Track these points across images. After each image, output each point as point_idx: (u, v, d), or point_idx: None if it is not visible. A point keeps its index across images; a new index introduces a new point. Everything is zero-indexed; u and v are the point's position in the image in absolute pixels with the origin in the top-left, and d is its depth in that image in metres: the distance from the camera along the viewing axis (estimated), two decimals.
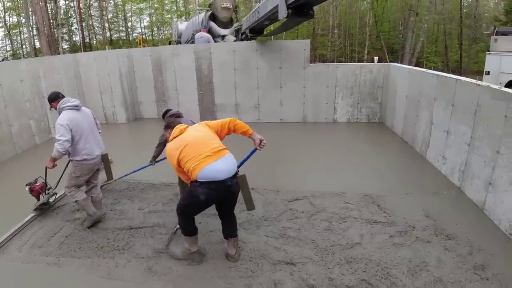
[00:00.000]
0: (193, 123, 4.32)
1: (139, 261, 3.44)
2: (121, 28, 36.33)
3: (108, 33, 34.70)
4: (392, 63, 8.44)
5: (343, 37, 28.80)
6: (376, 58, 9.78)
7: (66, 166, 4.12)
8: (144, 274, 3.27)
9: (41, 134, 7.68)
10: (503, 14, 22.05)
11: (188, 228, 3.27)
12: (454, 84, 4.98)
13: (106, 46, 28.61)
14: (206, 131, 3.14)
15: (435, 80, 5.61)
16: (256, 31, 9.41)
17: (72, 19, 33.09)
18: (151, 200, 4.73)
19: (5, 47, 32.12)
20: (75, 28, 33.08)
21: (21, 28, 31.52)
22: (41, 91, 7.67)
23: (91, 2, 32.42)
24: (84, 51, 23.57)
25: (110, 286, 3.14)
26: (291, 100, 8.87)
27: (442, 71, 6.77)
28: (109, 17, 34.81)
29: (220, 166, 2.92)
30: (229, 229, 3.38)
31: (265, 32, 10.33)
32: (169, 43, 16.69)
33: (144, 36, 34.22)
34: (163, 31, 36.29)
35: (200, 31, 10.09)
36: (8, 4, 30.46)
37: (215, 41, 10.00)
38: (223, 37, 10.75)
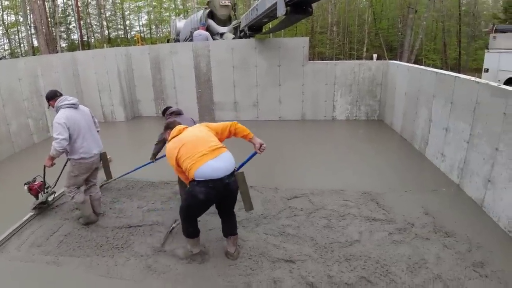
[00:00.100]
0: (193, 120, 4.33)
1: (138, 260, 3.44)
2: (119, 26, 36.19)
3: (106, 31, 34.58)
4: (391, 61, 8.43)
5: (342, 34, 28.75)
6: (375, 55, 9.78)
7: (65, 165, 4.11)
8: (143, 272, 3.27)
9: (39, 133, 7.66)
10: (501, 12, 22.06)
11: (191, 230, 3.27)
12: (453, 82, 4.97)
13: (105, 45, 28.54)
14: (205, 131, 3.15)
15: (434, 77, 5.60)
16: (254, 29, 9.39)
17: (70, 17, 32.93)
18: (150, 199, 4.72)
19: (3, 46, 31.97)
20: (73, 27, 32.91)
21: (19, 27, 31.35)
22: (39, 90, 7.65)
23: (89, 0, 32.32)
24: (82, 50, 23.49)
25: (109, 284, 3.13)
26: (290, 98, 8.86)
27: (441, 68, 6.78)
28: (107, 15, 34.66)
29: (217, 164, 2.91)
30: (229, 227, 3.38)
31: (263, 30, 10.31)
32: (168, 41, 16.64)
33: (142, 34, 34.11)
34: (162, 29, 36.20)
35: (198, 29, 10.07)
36: (6, 2, 30.29)
37: (213, 39, 9.98)
38: (221, 35, 10.73)
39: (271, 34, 12.68)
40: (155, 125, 9.00)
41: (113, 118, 9.54)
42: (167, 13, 34.18)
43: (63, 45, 31.25)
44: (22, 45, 32.20)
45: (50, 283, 3.18)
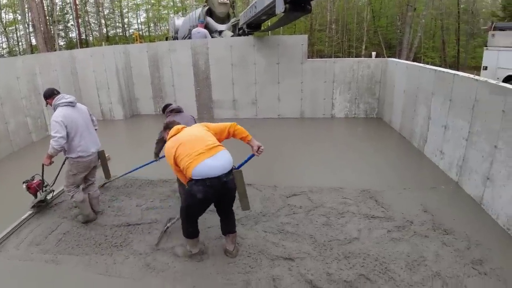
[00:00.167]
0: (194, 118, 4.33)
1: (137, 258, 3.44)
2: (117, 24, 36.08)
3: (105, 29, 34.49)
4: (390, 59, 8.42)
5: (340, 32, 28.72)
6: (373, 53, 9.76)
7: (63, 164, 4.10)
8: (142, 270, 3.27)
9: (37, 131, 7.63)
10: (500, 10, 22.05)
11: (191, 230, 3.28)
12: (452, 79, 4.97)
13: (103, 43, 28.40)
14: (203, 131, 3.15)
15: (433, 75, 5.60)
16: (253, 26, 9.37)
17: (68, 15, 32.84)
18: (148, 197, 4.71)
19: (1, 45, 31.87)
20: (71, 25, 32.85)
21: (17, 25, 31.25)
22: (37, 88, 7.62)
23: None
24: (80, 48, 23.42)
25: (108, 283, 3.13)
26: (289, 95, 8.85)
27: (439, 66, 6.78)
28: (105, 13, 34.56)
29: (214, 162, 2.91)
30: (228, 226, 3.38)
31: (262, 27, 10.28)
32: (166, 39, 16.58)
33: (140, 32, 34.04)
34: (160, 27, 36.09)
35: (197, 26, 10.03)
36: (4, 1, 30.16)
37: (212, 37, 9.95)
38: (220, 32, 10.69)
39: (269, 31, 12.64)
40: (153, 123, 8.98)
41: (111, 116, 9.51)
42: (166, 11, 34.07)
43: (61, 43, 31.16)
44: (20, 44, 32.11)
45: (49, 282, 3.17)
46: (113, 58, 9.05)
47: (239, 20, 10.46)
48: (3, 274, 3.28)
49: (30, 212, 4.26)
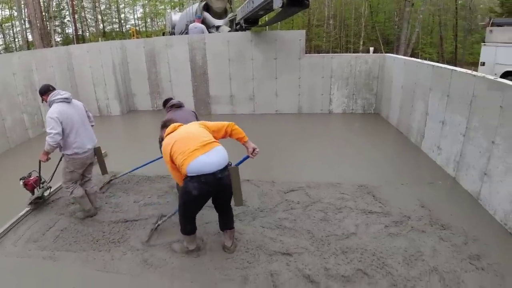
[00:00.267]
0: (194, 113, 4.31)
1: (134, 254, 3.44)
2: (114, 20, 35.86)
3: (101, 25, 34.26)
4: (388, 54, 8.41)
5: (338, 28, 28.66)
6: (371, 48, 9.76)
7: (60, 160, 4.08)
8: (139, 266, 3.27)
9: (34, 128, 7.59)
10: (498, 6, 22.01)
11: (189, 228, 3.29)
12: (450, 75, 4.97)
13: (99, 38, 28.25)
14: (199, 128, 3.16)
15: (431, 70, 5.60)
16: (250, 22, 9.32)
17: (64, 11, 32.56)
18: (146, 193, 4.70)
19: None
20: (68, 21, 32.57)
21: (13, 21, 31.02)
22: (33, 84, 7.56)
23: None
24: (77, 44, 23.26)
25: (106, 279, 3.13)
26: (287, 91, 8.83)
27: (437, 62, 6.77)
28: (102, 8, 34.30)
29: (209, 158, 2.91)
30: (225, 221, 3.38)
31: (260, 23, 10.24)
32: (163, 34, 16.49)
33: (137, 28, 33.85)
34: (157, 23, 35.93)
35: (194, 21, 9.97)
36: None
37: (209, 32, 9.90)
38: (217, 27, 10.64)
39: (267, 27, 12.60)
40: (151, 119, 8.97)
41: (108, 112, 9.47)
42: (163, 6, 33.89)
43: (58, 39, 30.94)
44: (16, 40, 31.89)
45: (46, 278, 3.17)
46: (110, 54, 9.00)
47: (236, 15, 10.41)
48: (1, 271, 3.27)
49: (27, 208, 4.24)
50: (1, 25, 30.91)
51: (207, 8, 10.77)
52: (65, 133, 3.67)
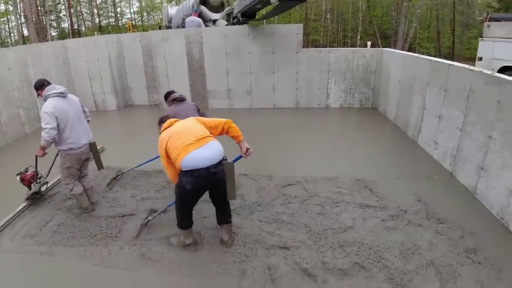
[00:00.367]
0: (196, 107, 4.29)
1: (132, 248, 3.44)
2: (110, 14, 35.60)
3: (97, 19, 34.01)
4: (385, 48, 8.40)
5: (335, 22, 28.57)
6: (369, 43, 9.71)
7: (56, 155, 4.05)
8: (137, 261, 3.27)
9: (30, 123, 7.53)
10: (495, 1, 21.97)
11: (185, 222, 3.30)
12: (447, 69, 4.97)
13: (95, 32, 28.07)
14: (195, 123, 3.17)
15: (428, 65, 5.59)
16: (248, 15, 9.27)
17: (60, 5, 32.32)
18: (143, 187, 4.70)
19: None
20: (64, 15, 32.34)
21: (8, 16, 30.74)
22: (29, 79, 7.49)
23: None
24: (72, 38, 23.07)
25: (104, 274, 3.13)
26: (284, 85, 8.81)
27: (434, 57, 6.73)
28: (97, 2, 34.03)
29: (202, 153, 2.92)
30: (223, 216, 3.39)
31: (257, 16, 10.18)
32: (159, 28, 16.38)
33: (133, 22, 33.62)
34: (153, 17, 35.68)
35: (190, 15, 9.90)
36: None
37: (206, 26, 9.84)
38: (214, 21, 10.58)
39: (264, 20, 12.54)
40: (147, 113, 8.94)
41: (104, 107, 9.42)
42: (159, 0, 33.63)
43: (54, 33, 30.69)
44: (12, 35, 31.63)
45: (44, 274, 3.16)
46: (106, 48, 8.93)
47: (233, 9, 10.34)
48: None
49: (24, 204, 4.22)
50: None
51: (203, 1, 10.70)
52: (59, 128, 3.65)
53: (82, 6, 33.02)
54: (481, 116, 4.14)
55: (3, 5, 30.78)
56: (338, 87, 8.72)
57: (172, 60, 8.99)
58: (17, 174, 4.24)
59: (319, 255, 3.22)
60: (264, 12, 12.72)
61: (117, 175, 5.00)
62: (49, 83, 3.81)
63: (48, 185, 4.61)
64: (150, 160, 4.93)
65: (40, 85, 3.79)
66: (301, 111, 8.71)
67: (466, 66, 4.70)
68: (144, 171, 5.15)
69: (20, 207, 4.17)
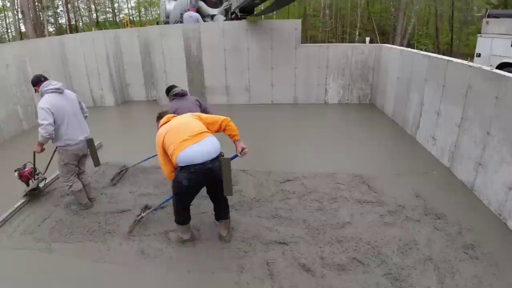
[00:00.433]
0: (198, 101, 4.28)
1: (130, 244, 3.44)
2: (107, 9, 35.40)
3: (94, 14, 33.81)
4: (384, 44, 8.38)
5: (334, 18, 28.50)
6: (367, 38, 9.69)
7: (54, 152, 4.04)
8: (136, 256, 3.27)
9: (28, 119, 7.49)
10: None
11: (182, 218, 3.30)
12: (446, 66, 4.97)
13: (93, 28, 27.90)
14: (192, 119, 3.17)
15: (427, 61, 5.59)
16: (246, 11, 9.21)
17: (57, 1, 32.09)
18: (141, 184, 4.69)
19: None
20: (61, 11, 32.15)
21: (6, 12, 30.53)
22: (27, 75, 7.45)
23: None
24: (70, 34, 22.94)
25: (103, 270, 3.13)
26: (282, 81, 8.79)
27: (432, 53, 6.70)
28: None
29: (198, 148, 2.92)
30: (221, 211, 3.40)
31: (255, 12, 10.13)
32: (157, 24, 16.28)
33: (131, 17, 33.43)
34: (151, 12, 35.50)
35: (188, 10, 9.85)
36: None
37: (204, 21, 9.79)
38: (212, 16, 10.53)
39: (263, 16, 12.48)
40: (146, 109, 8.91)
41: (102, 103, 9.37)
42: None
43: (51, 29, 30.51)
44: (9, 31, 31.45)
45: (43, 270, 3.16)
46: (103, 44, 8.88)
47: (231, 4, 10.29)
48: None
49: (22, 200, 4.21)
50: None
51: None
52: (56, 124, 3.63)
53: (79, 2, 32.81)
54: (479, 112, 4.15)
55: (0, 1, 30.58)
56: (337, 83, 8.71)
57: (170, 56, 8.96)
58: (15, 171, 4.23)
59: (317, 250, 3.23)
60: (262, 7, 12.66)
61: (121, 171, 4.98)
62: (46, 79, 3.80)
63: (46, 181, 4.60)
64: (156, 155, 4.92)
65: (37, 81, 3.78)
66: (300, 107, 8.70)
67: (465, 62, 4.70)
68: (142, 167, 5.14)
69: (19, 203, 4.15)
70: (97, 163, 4.27)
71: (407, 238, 3.35)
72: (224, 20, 10.17)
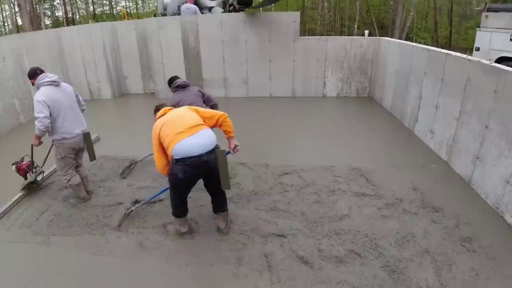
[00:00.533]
0: (200, 91, 4.26)
1: (129, 237, 3.44)
2: (104, 1, 35.06)
3: (91, 7, 33.50)
4: (383, 37, 8.34)
5: (333, 11, 28.33)
6: (366, 31, 9.67)
7: (52, 145, 4.02)
8: (134, 249, 3.27)
9: (25, 113, 7.44)
10: None
11: (179, 211, 3.30)
12: (444, 59, 4.95)
13: (89, 21, 27.69)
14: (189, 112, 3.16)
15: (426, 54, 5.57)
16: (244, 3, 9.17)
17: None
18: (140, 176, 4.69)
19: None
20: (57, 3, 31.81)
21: (2, 6, 30.22)
22: (23, 68, 7.39)
23: None
24: (67, 26, 22.75)
25: (101, 262, 3.13)
26: (281, 74, 8.76)
27: (431, 46, 6.65)
28: None
29: (194, 141, 2.91)
30: (218, 204, 3.40)
31: (253, 4, 10.07)
32: (154, 16, 16.15)
33: (128, 10, 33.16)
34: (148, 4, 35.21)
35: (186, 2, 9.77)
36: None
37: (202, 13, 9.71)
38: (210, 9, 10.44)
39: (261, 8, 12.40)
40: (143, 102, 8.87)
41: (99, 96, 9.32)
42: None
43: (48, 22, 30.24)
44: (6, 24, 31.16)
45: (41, 263, 3.16)
46: (100, 36, 8.81)
47: None
48: None
49: (20, 194, 4.20)
50: None
51: None
52: (52, 117, 3.61)
53: None
54: (477, 106, 4.14)
55: None
56: (335, 76, 8.68)
57: (168, 48, 8.89)
58: (13, 164, 4.22)
59: (315, 242, 3.25)
60: None
61: (131, 164, 4.97)
62: (42, 72, 3.76)
63: (44, 174, 4.58)
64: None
65: (33, 74, 3.74)
66: (298, 100, 8.67)
67: (464, 56, 4.69)
68: (140, 160, 5.13)
69: (16, 197, 4.14)
70: (93, 157, 4.24)
71: (405, 231, 3.37)
72: (222, 12, 10.09)
